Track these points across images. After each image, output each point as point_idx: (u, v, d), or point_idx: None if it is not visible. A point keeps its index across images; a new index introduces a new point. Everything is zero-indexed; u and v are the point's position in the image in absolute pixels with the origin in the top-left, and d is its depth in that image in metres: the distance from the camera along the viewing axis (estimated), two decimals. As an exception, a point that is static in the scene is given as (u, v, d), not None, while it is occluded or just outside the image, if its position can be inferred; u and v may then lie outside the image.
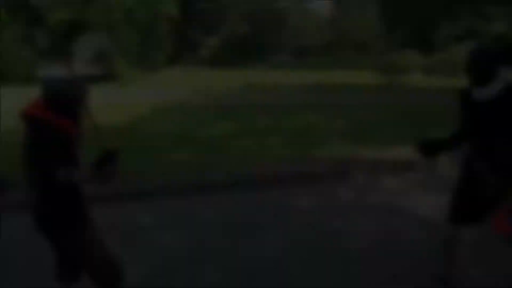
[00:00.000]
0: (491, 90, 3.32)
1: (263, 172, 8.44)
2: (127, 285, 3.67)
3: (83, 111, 3.43)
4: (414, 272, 4.67)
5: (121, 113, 18.17)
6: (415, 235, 5.66)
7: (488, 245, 5.10)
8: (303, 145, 10.82)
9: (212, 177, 8.23)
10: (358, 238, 5.62)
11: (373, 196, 7.26)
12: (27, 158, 3.28)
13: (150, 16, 58.74)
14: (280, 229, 5.97)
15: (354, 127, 13.79)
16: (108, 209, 6.33)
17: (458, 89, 3.76)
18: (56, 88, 3.27)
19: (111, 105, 20.51)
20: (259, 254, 5.24)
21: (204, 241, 5.62)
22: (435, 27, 54.49)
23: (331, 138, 11.80)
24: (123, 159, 3.35)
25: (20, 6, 62.24)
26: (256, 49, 62.25)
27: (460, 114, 3.68)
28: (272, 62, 61.08)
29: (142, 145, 11.62)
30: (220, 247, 5.45)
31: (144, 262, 5.07)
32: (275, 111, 18.61)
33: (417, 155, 3.84)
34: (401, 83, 40.60)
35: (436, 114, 16.46)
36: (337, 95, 30.25)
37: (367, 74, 37.70)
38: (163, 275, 4.80)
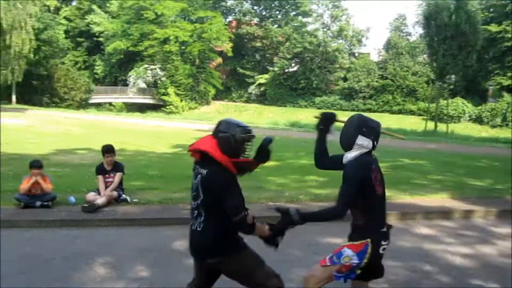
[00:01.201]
0: (349, 156, 3.82)
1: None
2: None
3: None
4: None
5: (166, 140, 18.68)
6: (442, 281, 5.66)
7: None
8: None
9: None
10: (386, 279, 5.65)
11: (405, 241, 7.26)
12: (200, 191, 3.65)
13: (204, 51, 60.44)
14: (308, 264, 6.06)
15: (394, 171, 13.78)
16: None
17: None
18: (232, 132, 3.65)
19: (156, 133, 21.15)
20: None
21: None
22: (487, 76, 54.00)
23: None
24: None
25: (82, 34, 65.32)
26: (304, 89, 62.71)
27: None
28: (320, 102, 61.36)
29: (184, 173, 11.94)
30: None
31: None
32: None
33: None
34: (449, 131, 40.24)
35: (478, 164, 16.26)
36: (382, 139, 30.12)
37: (414, 119, 37.53)
38: None
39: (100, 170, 8.72)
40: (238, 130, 3.66)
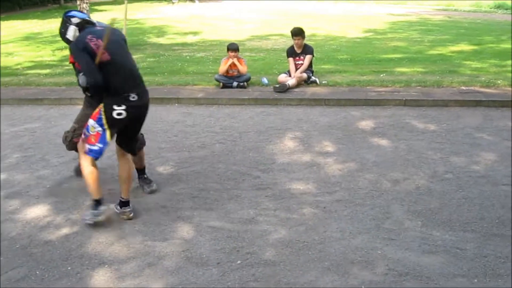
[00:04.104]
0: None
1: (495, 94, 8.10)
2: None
3: None
4: None
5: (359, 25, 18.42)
6: None
7: None
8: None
9: (435, 93, 8.16)
10: None
11: None
12: None
13: None
14: (497, 149, 5.81)
15: None
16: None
17: None
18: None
19: (348, 18, 20.86)
20: (469, 167, 5.25)
21: (412, 149, 5.80)
22: None
23: None
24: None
25: None
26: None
27: None
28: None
29: (374, 57, 11.81)
30: (431, 156, 5.59)
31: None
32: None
33: None
34: None
35: None
36: None
37: None
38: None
39: (291, 52, 9.05)
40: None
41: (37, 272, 3.54)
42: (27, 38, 17.53)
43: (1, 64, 12.37)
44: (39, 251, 3.82)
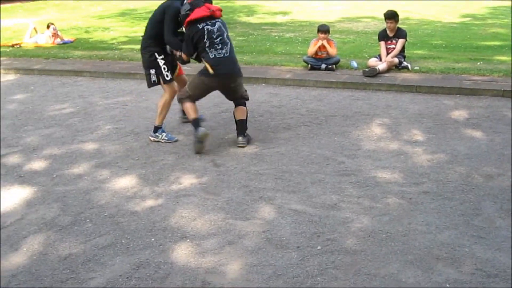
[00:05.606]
0: None
1: None
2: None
3: None
4: None
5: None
6: None
7: None
8: None
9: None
10: None
11: None
12: None
13: None
14: None
15: None
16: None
17: None
18: None
19: (444, 2, 19.98)
20: None
21: (509, 143, 5.48)
22: None
23: None
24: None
25: None
26: None
27: None
28: None
29: (470, 44, 11.25)
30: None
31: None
32: None
33: None
34: None
35: None
36: None
37: None
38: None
39: (382, 36, 8.76)
40: None
41: (123, 241, 3.67)
42: (123, 14, 18.17)
43: (98, 38, 12.91)
44: (125, 221, 3.96)
